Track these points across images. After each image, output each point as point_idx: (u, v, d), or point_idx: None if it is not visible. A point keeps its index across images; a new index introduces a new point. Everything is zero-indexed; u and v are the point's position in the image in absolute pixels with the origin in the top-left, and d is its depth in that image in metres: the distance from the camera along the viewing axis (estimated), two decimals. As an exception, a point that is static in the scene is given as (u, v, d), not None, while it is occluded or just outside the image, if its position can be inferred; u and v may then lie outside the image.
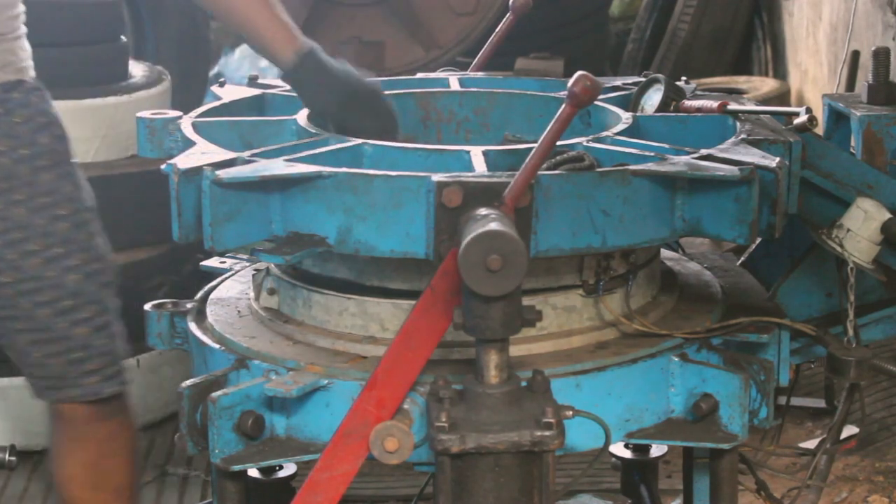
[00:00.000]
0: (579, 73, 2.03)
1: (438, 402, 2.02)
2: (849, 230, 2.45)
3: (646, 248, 2.36)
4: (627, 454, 3.03)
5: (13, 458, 4.28)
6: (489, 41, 3.05)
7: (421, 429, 2.09)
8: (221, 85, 2.84)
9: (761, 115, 2.54)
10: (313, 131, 2.43)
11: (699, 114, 2.58)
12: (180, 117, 2.53)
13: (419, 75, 3.11)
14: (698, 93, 2.74)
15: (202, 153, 2.27)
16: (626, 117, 2.53)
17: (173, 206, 2.18)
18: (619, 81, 2.87)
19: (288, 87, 2.77)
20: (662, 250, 2.60)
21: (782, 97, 6.67)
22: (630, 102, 2.71)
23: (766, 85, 6.90)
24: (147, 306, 2.59)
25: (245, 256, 2.61)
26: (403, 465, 2.12)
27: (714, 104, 2.57)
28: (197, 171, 2.16)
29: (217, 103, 2.70)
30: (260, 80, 2.87)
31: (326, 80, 2.52)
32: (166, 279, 4.55)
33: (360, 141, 2.35)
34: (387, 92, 2.79)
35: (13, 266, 2.87)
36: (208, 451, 2.19)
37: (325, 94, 2.52)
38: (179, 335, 2.55)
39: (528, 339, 2.24)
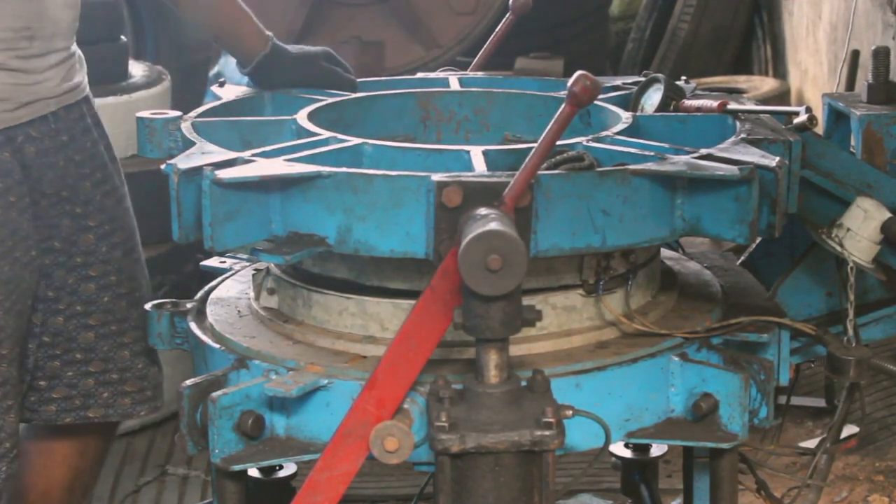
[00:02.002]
0: (579, 72, 2.03)
1: (438, 402, 2.02)
2: (849, 229, 2.45)
3: (646, 248, 2.36)
4: (627, 454, 3.03)
5: (13, 458, 4.27)
6: (489, 41, 3.06)
7: (421, 428, 2.09)
8: (221, 85, 2.85)
9: (761, 115, 2.54)
10: (313, 131, 2.44)
11: (699, 113, 2.58)
12: (180, 117, 2.53)
13: (419, 75, 3.11)
14: (698, 92, 2.74)
15: (202, 153, 2.27)
16: (625, 117, 2.53)
17: (173, 206, 2.18)
18: (619, 81, 2.87)
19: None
20: (662, 250, 2.60)
21: (782, 96, 6.67)
22: (630, 102, 2.71)
23: (766, 84, 6.90)
24: (147, 306, 2.59)
25: (245, 256, 2.61)
26: (403, 464, 2.12)
27: (714, 104, 2.57)
28: (197, 171, 2.16)
29: (217, 103, 2.71)
30: (260, 80, 2.87)
31: (291, 59, 2.78)
32: (166, 279, 4.56)
33: (359, 140, 2.35)
34: (387, 92, 2.81)
35: (71, 291, 2.86)
36: (208, 451, 2.19)
37: (295, 70, 2.79)
38: (179, 335, 2.55)
39: (528, 338, 2.24)
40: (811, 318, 2.68)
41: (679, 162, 2.20)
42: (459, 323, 2.00)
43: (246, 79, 2.85)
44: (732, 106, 2.55)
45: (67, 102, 2.79)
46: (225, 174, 2.11)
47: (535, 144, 2.05)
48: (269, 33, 2.79)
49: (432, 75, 3.07)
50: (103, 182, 2.87)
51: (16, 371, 2.76)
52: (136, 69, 4.78)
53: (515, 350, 2.18)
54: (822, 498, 3.65)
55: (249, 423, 2.17)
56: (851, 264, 2.46)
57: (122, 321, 2.90)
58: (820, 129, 2.73)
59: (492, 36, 3.04)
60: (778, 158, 2.24)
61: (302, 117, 2.53)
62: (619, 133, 2.42)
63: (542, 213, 2.08)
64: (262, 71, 2.77)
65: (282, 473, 2.81)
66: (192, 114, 2.59)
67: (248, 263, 2.66)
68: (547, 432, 1.97)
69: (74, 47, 2.83)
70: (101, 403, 2.90)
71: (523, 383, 2.04)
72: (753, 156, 2.24)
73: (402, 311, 2.23)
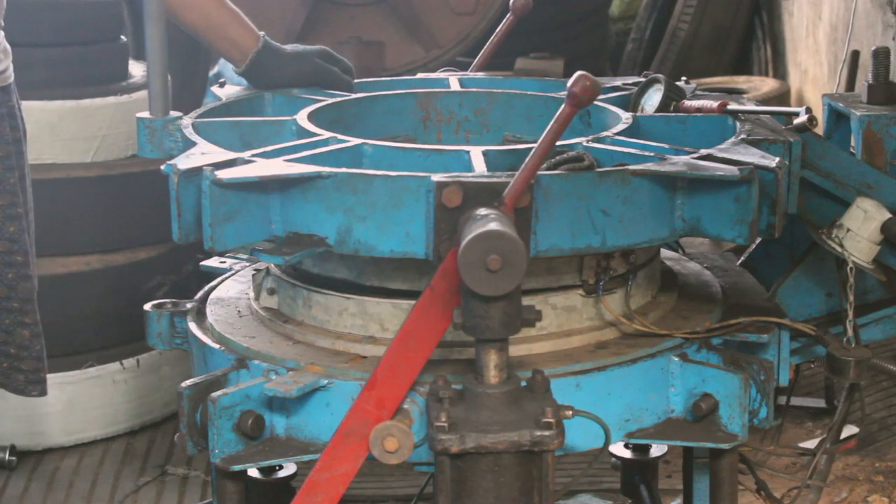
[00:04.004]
0: (579, 73, 2.03)
1: (438, 402, 2.02)
2: (849, 230, 2.45)
3: (645, 248, 2.36)
4: (627, 454, 3.03)
5: (13, 458, 4.29)
6: (489, 41, 3.06)
7: (421, 429, 2.09)
8: (221, 85, 2.85)
9: (761, 115, 2.54)
10: (313, 131, 2.44)
11: (699, 114, 2.58)
12: (180, 117, 2.53)
13: (419, 75, 3.12)
14: (698, 93, 2.74)
15: (202, 153, 2.27)
16: (625, 117, 2.53)
17: (173, 206, 2.18)
18: (619, 81, 2.87)
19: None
20: (662, 250, 2.60)
21: (782, 97, 6.67)
22: (630, 102, 2.71)
23: (766, 85, 6.90)
24: (147, 306, 2.59)
25: (245, 256, 2.61)
26: (403, 465, 2.12)
27: (714, 104, 2.57)
28: (197, 171, 2.16)
29: (217, 103, 2.71)
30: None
31: (285, 56, 2.77)
32: (166, 279, 4.56)
33: (360, 141, 2.35)
34: (387, 92, 2.81)
35: None
36: (208, 451, 2.19)
37: (290, 67, 2.77)
38: (179, 335, 2.55)
39: (528, 338, 2.24)
40: (811, 318, 2.68)
41: (679, 162, 2.20)
42: (459, 323, 2.00)
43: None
44: (732, 106, 2.56)
45: None
46: (225, 174, 2.11)
47: (535, 145, 2.05)
48: (260, 32, 2.79)
49: (432, 76, 3.07)
50: (13, 167, 2.95)
51: None
52: (136, 69, 4.78)
53: (515, 350, 2.18)
54: (822, 498, 3.66)
55: (249, 423, 2.17)
56: (851, 265, 2.46)
57: (25, 301, 2.97)
58: (820, 130, 2.73)
59: (492, 36, 3.04)
60: (778, 159, 2.24)
61: (302, 118, 2.53)
62: (618, 133, 2.42)
63: (541, 213, 2.08)
64: (257, 69, 2.77)
65: (282, 473, 2.81)
66: (193, 114, 2.59)
67: (247, 263, 2.66)
68: (547, 432, 1.97)
69: (2, 39, 2.92)
70: None
71: (523, 383, 2.04)
72: (753, 156, 2.24)
73: (402, 312, 2.23)
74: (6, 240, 2.95)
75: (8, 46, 2.95)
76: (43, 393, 3.06)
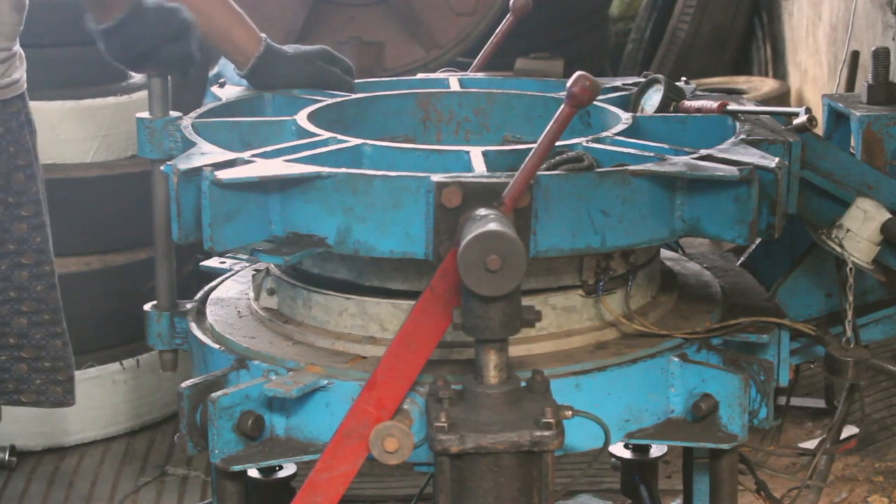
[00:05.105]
0: (578, 73, 2.03)
1: (438, 403, 2.02)
2: (848, 230, 2.45)
3: (645, 249, 2.36)
4: (627, 454, 3.03)
5: (13, 459, 4.29)
6: (489, 41, 3.06)
7: (420, 429, 2.09)
8: (221, 85, 2.85)
9: (761, 116, 2.54)
10: (313, 131, 2.44)
11: (699, 114, 2.58)
12: (180, 117, 2.53)
13: (419, 75, 3.12)
14: (698, 93, 2.74)
15: (202, 154, 2.27)
16: (625, 117, 2.53)
17: (173, 206, 2.18)
18: (618, 82, 2.87)
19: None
20: (662, 250, 2.60)
21: (782, 97, 6.67)
22: (630, 103, 2.71)
23: (766, 85, 6.90)
24: (147, 306, 2.59)
25: (245, 257, 2.61)
26: (403, 465, 2.12)
27: (714, 104, 2.57)
28: (196, 171, 2.16)
29: (217, 104, 2.71)
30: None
31: (286, 59, 2.77)
32: (166, 279, 4.55)
33: (359, 141, 2.35)
34: (387, 92, 2.81)
35: (4, 277, 2.91)
36: (208, 452, 2.19)
37: (291, 69, 2.76)
38: (179, 335, 2.56)
39: (528, 339, 2.24)
40: (811, 318, 2.68)
41: (678, 163, 2.20)
42: (459, 323, 2.00)
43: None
44: (732, 107, 2.55)
45: (5, 97, 2.91)
46: (225, 175, 2.11)
47: (535, 145, 2.05)
48: (262, 35, 2.79)
49: (432, 76, 3.07)
50: (35, 176, 2.97)
51: None
52: (136, 69, 4.78)
53: (515, 350, 2.18)
54: (821, 499, 3.66)
55: (249, 423, 2.17)
56: (851, 265, 2.46)
57: (55, 311, 2.99)
58: (820, 130, 2.73)
59: (492, 36, 3.04)
60: (777, 159, 2.24)
61: (302, 118, 2.53)
62: (618, 134, 2.42)
63: (541, 213, 2.08)
64: (259, 72, 2.77)
65: (281, 474, 2.82)
66: (192, 114, 2.59)
67: (247, 264, 2.66)
68: (546, 433, 1.97)
69: (17, 47, 2.93)
70: (34, 390, 2.97)
71: (523, 384, 2.04)
72: (753, 157, 2.24)
73: (402, 312, 2.23)
74: (34, 251, 2.95)
75: (22, 53, 2.96)
76: (74, 401, 3.07)
